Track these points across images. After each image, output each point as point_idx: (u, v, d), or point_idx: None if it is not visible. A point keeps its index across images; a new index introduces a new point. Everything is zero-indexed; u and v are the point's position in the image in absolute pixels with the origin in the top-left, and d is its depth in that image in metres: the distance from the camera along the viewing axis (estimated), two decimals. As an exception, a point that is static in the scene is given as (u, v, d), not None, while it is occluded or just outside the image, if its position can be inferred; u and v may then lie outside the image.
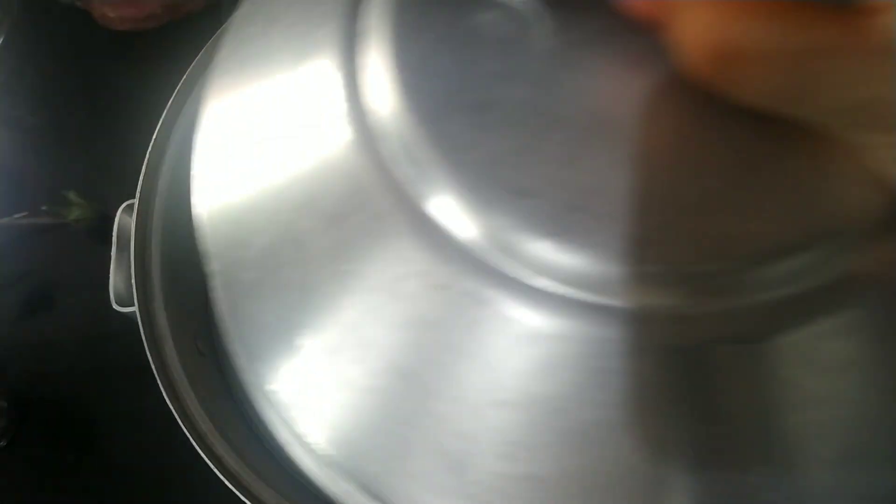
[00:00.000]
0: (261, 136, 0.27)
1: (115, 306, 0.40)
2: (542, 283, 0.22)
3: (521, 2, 0.25)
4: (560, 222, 0.22)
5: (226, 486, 0.35)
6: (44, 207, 0.62)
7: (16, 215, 0.62)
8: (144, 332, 0.39)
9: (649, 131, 0.22)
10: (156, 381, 0.37)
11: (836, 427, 0.22)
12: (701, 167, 0.22)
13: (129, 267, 0.39)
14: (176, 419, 0.37)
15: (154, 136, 0.41)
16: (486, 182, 0.22)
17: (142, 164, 0.41)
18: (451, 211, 0.22)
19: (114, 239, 0.43)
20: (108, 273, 0.41)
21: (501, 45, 0.24)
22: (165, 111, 0.42)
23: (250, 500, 0.34)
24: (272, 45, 0.28)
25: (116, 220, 0.43)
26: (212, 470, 0.36)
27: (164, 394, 0.36)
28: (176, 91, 0.42)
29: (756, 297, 0.21)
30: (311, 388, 0.25)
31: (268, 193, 0.26)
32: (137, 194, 0.41)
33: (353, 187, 0.24)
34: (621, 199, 0.22)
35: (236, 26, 0.30)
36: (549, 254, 0.22)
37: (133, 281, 0.39)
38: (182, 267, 0.41)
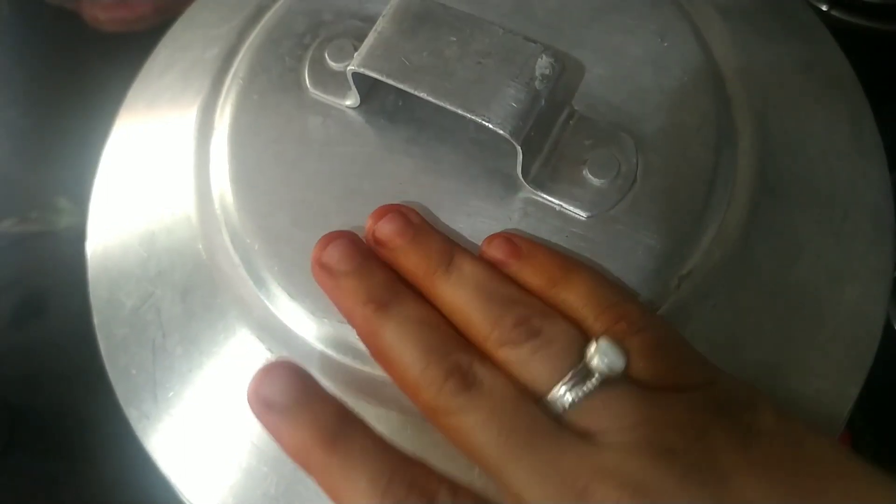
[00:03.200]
0: (133, 208, 0.32)
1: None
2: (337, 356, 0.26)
3: (345, 109, 0.29)
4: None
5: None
6: (34, 214, 0.61)
7: (5, 221, 0.60)
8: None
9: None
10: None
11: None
12: None
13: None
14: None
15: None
16: (297, 271, 0.27)
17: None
18: (273, 296, 0.27)
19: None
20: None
21: (324, 147, 0.29)
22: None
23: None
24: (151, 125, 0.33)
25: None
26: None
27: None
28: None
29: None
30: (182, 447, 0.30)
31: (135, 259, 0.31)
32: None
33: (197, 266, 0.29)
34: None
35: (131, 96, 0.35)
36: (352, 338, 0.26)
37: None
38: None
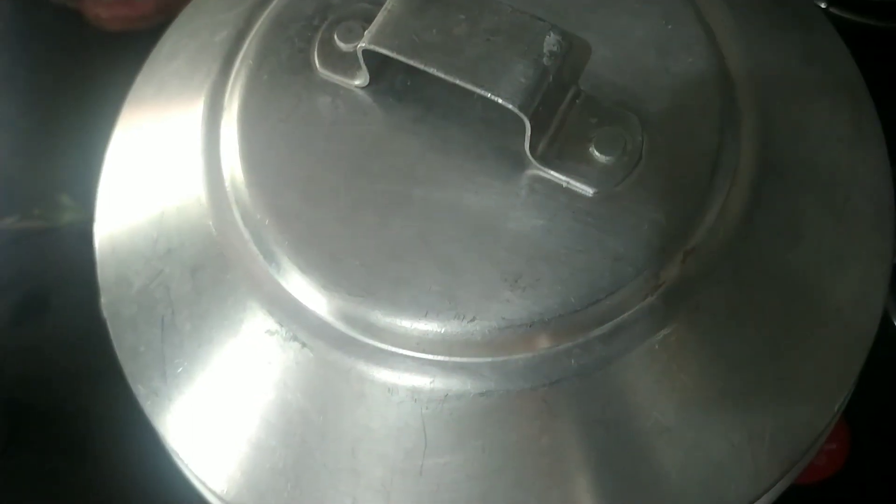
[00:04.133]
0: (142, 190, 0.32)
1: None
2: (352, 332, 0.27)
3: (354, 89, 0.29)
4: (367, 283, 0.27)
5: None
6: (36, 211, 0.60)
7: (7, 219, 0.60)
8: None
9: (443, 206, 0.27)
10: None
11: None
12: (503, 233, 0.27)
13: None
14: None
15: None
16: (307, 246, 0.27)
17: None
18: (283, 270, 0.27)
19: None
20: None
21: (333, 126, 0.29)
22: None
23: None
24: (158, 110, 0.33)
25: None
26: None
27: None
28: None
29: (590, 334, 0.26)
30: (190, 423, 0.30)
31: (144, 239, 0.31)
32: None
33: (207, 242, 0.29)
34: (433, 263, 0.27)
35: (137, 86, 0.35)
36: (361, 312, 0.27)
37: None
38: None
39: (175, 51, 0.35)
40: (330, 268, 0.27)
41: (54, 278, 0.58)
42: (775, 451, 0.28)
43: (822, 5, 0.47)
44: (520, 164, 0.28)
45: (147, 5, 0.64)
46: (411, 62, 0.26)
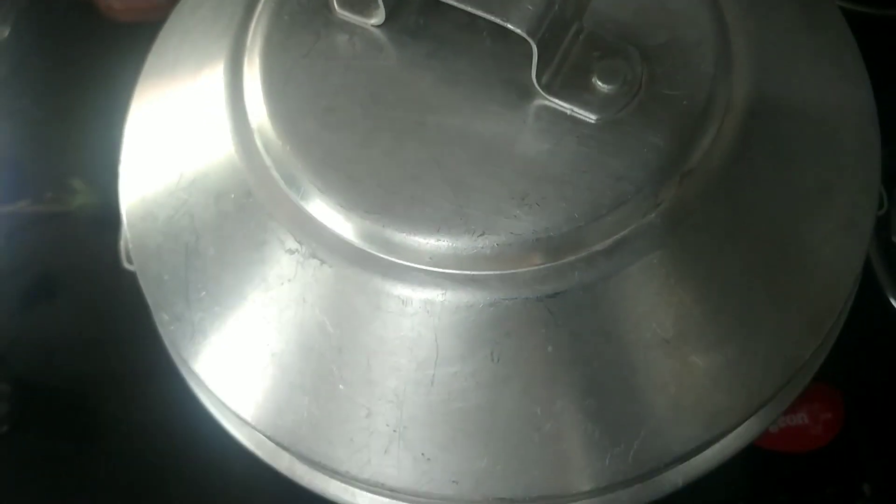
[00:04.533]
0: (166, 130, 0.34)
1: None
2: (382, 252, 0.29)
3: (370, 28, 0.31)
4: (383, 202, 0.28)
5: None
6: (48, 195, 0.60)
7: (19, 203, 0.60)
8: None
9: (455, 132, 0.29)
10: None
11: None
12: (511, 157, 0.29)
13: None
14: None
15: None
16: (325, 169, 0.29)
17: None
18: (303, 191, 0.29)
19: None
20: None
21: (350, 61, 0.31)
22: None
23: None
24: (182, 56, 0.35)
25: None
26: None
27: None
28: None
29: (593, 248, 0.28)
30: (212, 347, 0.31)
31: (169, 174, 0.33)
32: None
33: (230, 170, 0.31)
34: (445, 184, 0.29)
35: (160, 39, 0.37)
36: (377, 229, 0.28)
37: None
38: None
39: (199, 2, 0.36)
40: (348, 188, 0.28)
41: (66, 262, 0.59)
42: (767, 368, 0.29)
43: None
44: (526, 94, 0.29)
45: (159, -3, 0.63)
46: (426, -11, 0.27)
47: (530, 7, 0.27)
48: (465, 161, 0.28)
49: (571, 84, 0.29)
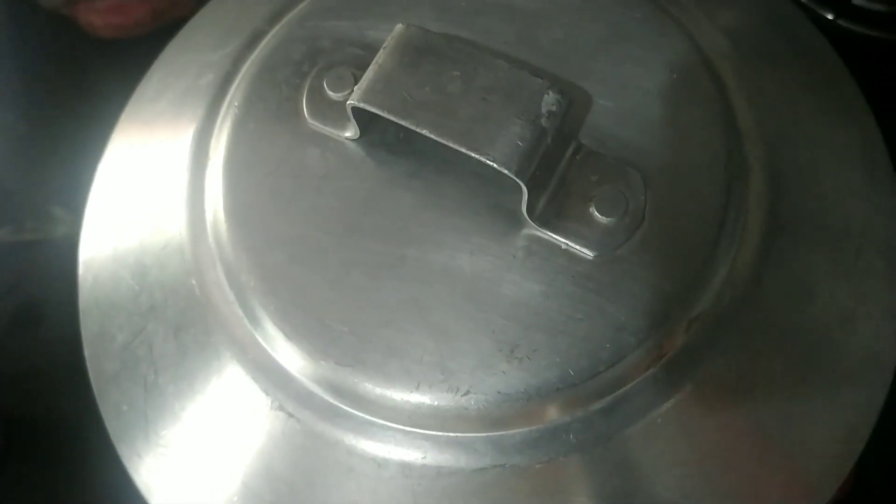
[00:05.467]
0: (122, 236, 0.31)
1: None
2: (334, 399, 0.26)
3: (344, 141, 0.28)
4: (356, 352, 0.25)
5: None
6: (30, 223, 0.59)
7: (1, 230, 0.59)
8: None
9: (437, 268, 0.26)
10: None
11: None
12: (499, 299, 0.26)
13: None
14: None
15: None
16: (294, 311, 0.26)
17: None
18: (269, 336, 0.26)
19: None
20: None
21: (322, 181, 0.28)
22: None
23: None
24: (141, 159, 0.32)
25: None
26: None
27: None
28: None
29: (589, 408, 0.25)
30: (174, 488, 0.29)
31: (126, 292, 0.30)
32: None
33: (190, 303, 0.28)
34: (426, 331, 0.26)
35: (118, 130, 0.34)
36: (350, 382, 0.25)
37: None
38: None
39: (161, 89, 0.33)
40: (318, 335, 0.25)
41: (48, 290, 0.58)
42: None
43: (830, 16, 0.45)
44: (517, 222, 0.26)
45: (141, 12, 0.63)
46: (403, 123, 0.24)
47: (519, 143, 0.24)
48: (448, 303, 0.25)
49: (567, 214, 0.26)
